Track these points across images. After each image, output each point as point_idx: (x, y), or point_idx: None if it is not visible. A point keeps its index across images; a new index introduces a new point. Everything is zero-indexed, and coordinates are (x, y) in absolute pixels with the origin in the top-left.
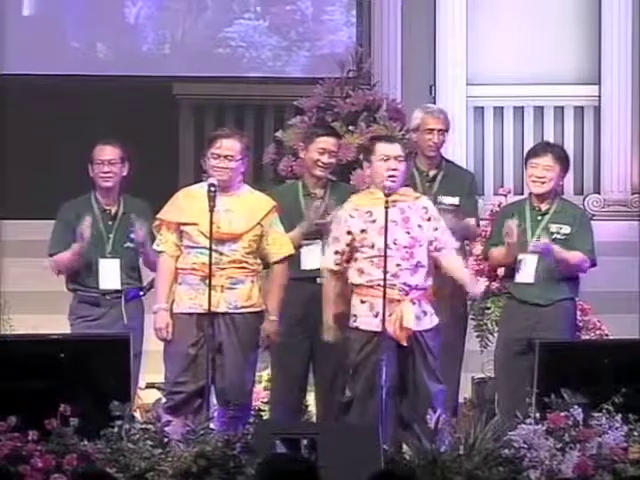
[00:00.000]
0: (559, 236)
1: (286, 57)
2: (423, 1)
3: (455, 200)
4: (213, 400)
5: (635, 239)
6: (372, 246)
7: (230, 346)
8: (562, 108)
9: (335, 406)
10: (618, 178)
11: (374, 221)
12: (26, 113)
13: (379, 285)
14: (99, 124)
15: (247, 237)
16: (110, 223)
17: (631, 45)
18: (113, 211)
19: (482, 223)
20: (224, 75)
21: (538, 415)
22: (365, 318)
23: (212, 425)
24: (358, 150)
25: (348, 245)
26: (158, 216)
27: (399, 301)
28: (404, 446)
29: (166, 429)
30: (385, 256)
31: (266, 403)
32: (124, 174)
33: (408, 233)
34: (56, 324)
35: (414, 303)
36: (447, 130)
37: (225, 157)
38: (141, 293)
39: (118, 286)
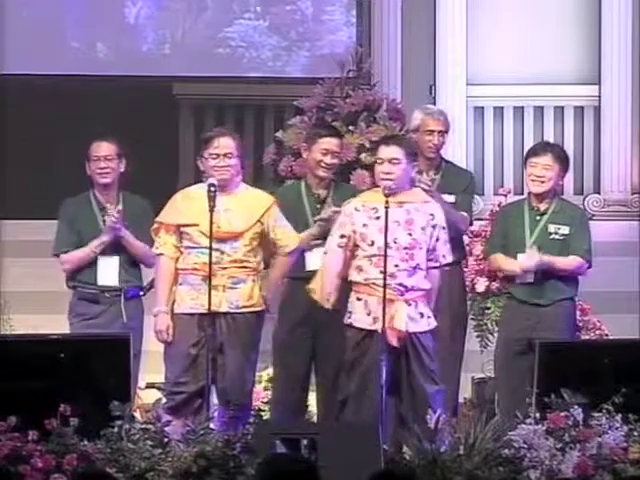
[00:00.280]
0: (557, 236)
1: (286, 57)
2: (423, 1)
3: (451, 198)
4: (213, 400)
5: (635, 239)
6: (372, 244)
7: (231, 346)
8: (562, 108)
9: (336, 405)
10: (618, 178)
11: (378, 218)
12: (26, 113)
13: (374, 284)
14: (99, 124)
15: (248, 235)
16: None
17: (631, 45)
18: (112, 208)
19: (482, 223)
20: (224, 75)
21: (538, 415)
22: (359, 315)
23: (212, 425)
24: (358, 150)
25: (354, 232)
26: (157, 219)
27: (393, 301)
28: (404, 446)
29: (166, 429)
30: (385, 256)
31: (266, 403)
32: (121, 170)
33: (410, 235)
34: (56, 324)
35: (410, 304)
36: (447, 131)
37: (224, 155)
38: (141, 293)
39: (116, 283)
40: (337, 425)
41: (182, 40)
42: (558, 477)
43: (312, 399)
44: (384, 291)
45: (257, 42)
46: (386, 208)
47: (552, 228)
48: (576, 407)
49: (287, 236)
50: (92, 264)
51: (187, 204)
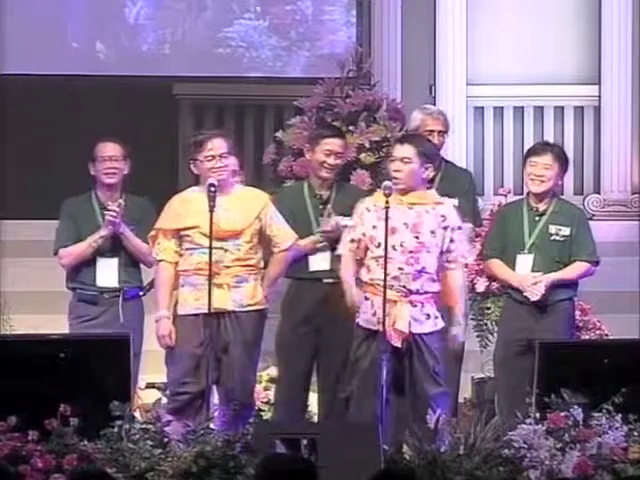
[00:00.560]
0: (558, 237)
1: (286, 57)
2: (423, 1)
3: (454, 201)
4: (213, 400)
5: (635, 239)
6: (378, 245)
7: (237, 345)
8: (562, 108)
9: (337, 403)
10: (618, 178)
11: (388, 219)
12: (26, 113)
13: (379, 285)
14: (99, 124)
15: (248, 232)
16: None
17: (631, 45)
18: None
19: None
20: (224, 75)
21: (538, 415)
22: (367, 316)
23: (212, 425)
24: (358, 150)
25: (363, 235)
26: (156, 226)
27: (396, 302)
28: (404, 446)
29: (166, 429)
30: (385, 257)
31: (266, 403)
32: (125, 172)
33: (417, 238)
34: (56, 324)
35: (415, 306)
36: (447, 131)
37: (220, 156)
38: (141, 293)
39: (116, 284)
40: (337, 425)
41: (182, 40)
42: (558, 477)
43: (312, 399)
44: (384, 292)
45: (257, 42)
46: (386, 208)
47: (553, 229)
48: (576, 407)
49: (283, 233)
50: (91, 265)
51: (185, 207)
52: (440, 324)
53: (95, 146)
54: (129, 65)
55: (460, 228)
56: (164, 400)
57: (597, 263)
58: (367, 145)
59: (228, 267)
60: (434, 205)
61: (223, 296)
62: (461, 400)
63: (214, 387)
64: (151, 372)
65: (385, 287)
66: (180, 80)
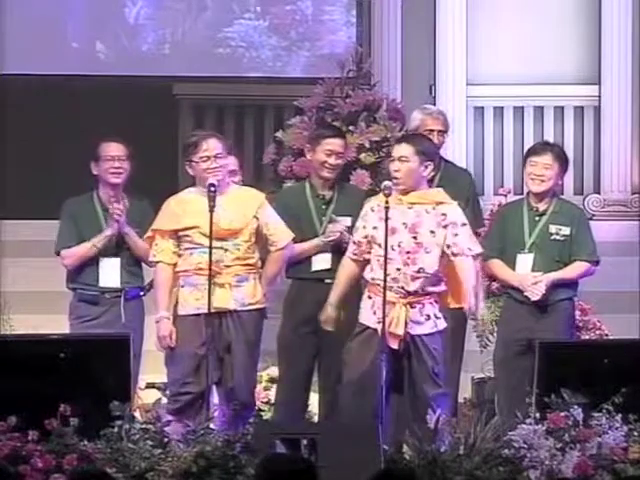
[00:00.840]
0: (558, 237)
1: (286, 57)
2: (423, 1)
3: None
4: (213, 400)
5: (635, 239)
6: (380, 245)
7: (239, 345)
8: (562, 108)
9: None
10: (618, 178)
11: (386, 220)
12: (26, 113)
13: (379, 285)
14: (99, 124)
15: (247, 231)
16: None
17: (631, 45)
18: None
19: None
20: (224, 75)
21: (538, 415)
22: (367, 314)
23: (212, 425)
24: (358, 150)
25: (365, 237)
26: (153, 227)
27: (394, 304)
28: (404, 446)
29: (166, 429)
30: (385, 257)
31: (266, 403)
32: (128, 172)
33: (414, 238)
34: (56, 324)
35: (414, 307)
36: (446, 131)
37: (215, 157)
38: (141, 293)
39: (118, 284)
40: (337, 425)
41: (182, 40)
42: (558, 477)
43: (313, 399)
44: (384, 293)
45: (257, 42)
46: (386, 208)
47: (553, 229)
48: (576, 407)
49: (279, 232)
50: (92, 265)
51: (182, 208)
52: (442, 325)
53: (98, 146)
54: (129, 65)
55: (465, 225)
56: (164, 400)
57: (597, 263)
58: (367, 145)
59: (229, 266)
60: (435, 205)
61: (225, 295)
62: (461, 400)
63: (214, 387)
64: (151, 372)
65: (385, 288)
66: (180, 80)
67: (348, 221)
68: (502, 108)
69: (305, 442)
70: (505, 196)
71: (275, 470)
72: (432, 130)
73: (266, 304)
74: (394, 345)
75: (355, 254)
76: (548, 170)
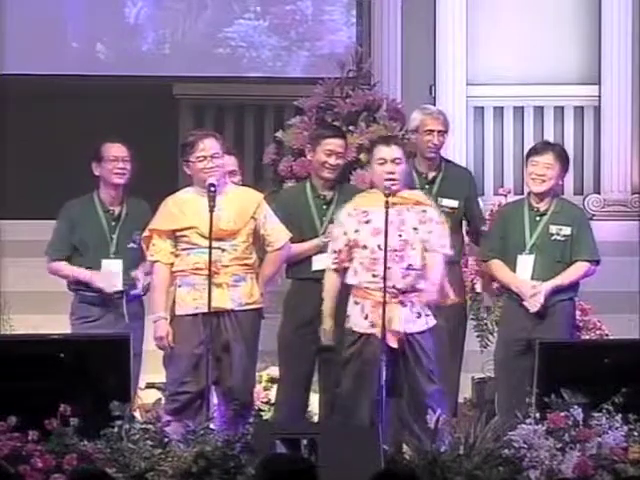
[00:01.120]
0: (559, 237)
1: (286, 57)
2: (423, 1)
3: (455, 203)
4: (213, 400)
5: (635, 239)
6: (364, 247)
7: (237, 344)
8: (562, 108)
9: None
10: (618, 178)
11: (368, 222)
12: (26, 113)
13: (367, 288)
14: (99, 124)
15: (245, 231)
16: (113, 224)
17: (631, 45)
18: (117, 212)
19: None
20: (224, 75)
21: (538, 415)
22: (356, 319)
23: (212, 425)
24: (358, 150)
25: (346, 245)
26: (150, 227)
27: (388, 304)
28: (404, 446)
29: (166, 429)
30: (385, 256)
31: (266, 403)
32: (130, 173)
33: (400, 236)
34: (56, 324)
35: (405, 305)
36: (447, 131)
37: (212, 157)
38: (141, 293)
39: (121, 287)
40: (337, 425)
41: (182, 40)
42: (558, 477)
43: (313, 399)
44: (384, 294)
45: (257, 42)
46: (386, 208)
47: (553, 229)
48: (576, 407)
49: (277, 232)
50: (95, 268)
51: (180, 208)
52: (431, 322)
53: (101, 146)
54: (129, 65)
55: (440, 224)
56: (164, 400)
57: (598, 263)
58: (367, 145)
59: (226, 266)
60: (414, 204)
61: (222, 295)
62: (461, 400)
63: (213, 387)
64: (151, 372)
65: (385, 288)
66: (180, 80)
67: None
68: (502, 108)
69: (305, 442)
70: (505, 196)
71: (275, 470)
72: (432, 130)
73: (263, 304)
74: (393, 344)
75: (335, 263)
76: (549, 170)
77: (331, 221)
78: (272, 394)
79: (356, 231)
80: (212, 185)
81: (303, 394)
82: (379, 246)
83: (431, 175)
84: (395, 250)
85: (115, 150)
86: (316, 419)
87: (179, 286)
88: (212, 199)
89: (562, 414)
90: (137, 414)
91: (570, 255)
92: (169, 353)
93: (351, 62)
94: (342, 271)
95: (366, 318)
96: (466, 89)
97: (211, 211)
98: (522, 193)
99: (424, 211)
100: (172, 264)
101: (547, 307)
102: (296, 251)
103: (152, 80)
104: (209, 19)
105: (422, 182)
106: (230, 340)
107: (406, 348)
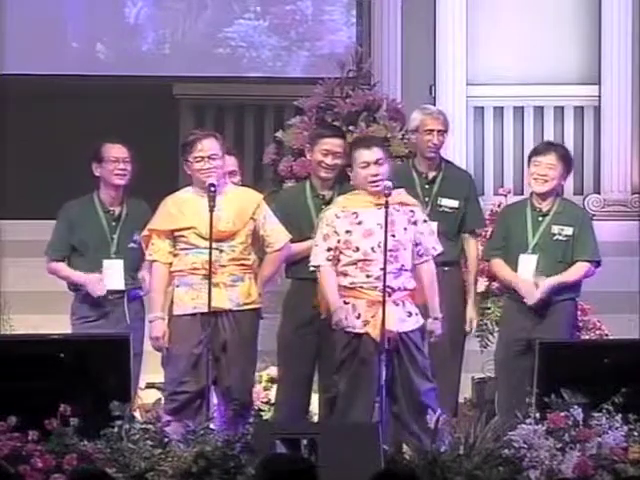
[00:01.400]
0: (561, 237)
1: (286, 57)
2: (423, 1)
3: (455, 203)
4: (213, 400)
5: (635, 239)
6: (357, 249)
7: (234, 344)
8: (562, 108)
9: (323, 402)
10: (618, 178)
11: (360, 223)
12: (26, 113)
13: (362, 288)
14: (99, 124)
15: (243, 232)
16: (114, 224)
17: (631, 45)
18: (117, 212)
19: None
20: (224, 75)
21: (538, 415)
22: (348, 320)
23: (212, 425)
24: None
25: (337, 243)
26: (149, 227)
27: (381, 303)
28: (404, 446)
29: (166, 429)
30: (385, 257)
31: (266, 403)
32: (130, 174)
33: (393, 236)
34: (56, 324)
35: (397, 304)
36: (446, 131)
37: (209, 157)
38: (141, 293)
39: (122, 286)
40: (337, 425)
41: (182, 40)
42: (558, 477)
43: (313, 399)
44: (384, 295)
45: (257, 42)
46: (386, 208)
47: (555, 229)
48: (576, 407)
49: (276, 233)
50: (94, 268)
51: (179, 208)
52: (421, 321)
53: (101, 147)
54: (129, 65)
55: (426, 221)
56: (165, 402)
57: (599, 264)
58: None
59: (224, 266)
60: (399, 205)
61: (220, 295)
62: (461, 400)
63: (213, 387)
64: (151, 372)
65: (385, 288)
66: (180, 80)
67: None
68: (502, 108)
69: (305, 442)
70: (505, 196)
71: (275, 470)
72: (432, 130)
73: (262, 304)
74: (386, 344)
75: (330, 260)
76: (552, 170)
77: None
78: (272, 394)
79: (347, 232)
80: (212, 185)
81: (303, 394)
82: (372, 248)
83: (431, 175)
84: (390, 250)
85: (115, 151)
86: (316, 419)
87: (177, 286)
88: (212, 199)
89: (562, 414)
90: (137, 414)
91: (572, 255)
92: (168, 353)
93: (351, 62)
94: (334, 267)
95: (359, 317)
96: (466, 89)
97: (211, 211)
98: (522, 193)
99: (412, 211)
100: (170, 264)
101: (548, 306)
102: (295, 250)
103: (152, 80)
104: (209, 19)
105: (422, 182)
106: (227, 340)
107: (400, 347)
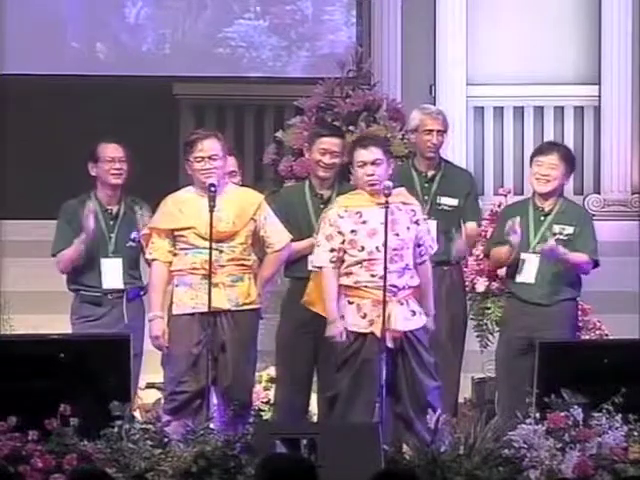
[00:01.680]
0: (562, 237)
1: (286, 57)
2: (423, 1)
3: (454, 201)
4: (213, 400)
5: (635, 239)
6: (362, 249)
7: (233, 344)
8: (562, 108)
9: (322, 401)
10: (618, 178)
11: (364, 222)
12: (26, 113)
13: (366, 287)
14: (99, 124)
15: (243, 233)
16: (112, 222)
17: (631, 45)
18: (114, 210)
19: (482, 223)
20: (224, 75)
21: (538, 415)
22: (352, 319)
23: (212, 425)
24: None
25: (342, 243)
26: (149, 225)
27: (386, 303)
28: (404, 446)
29: (166, 429)
30: (385, 256)
31: (266, 403)
32: (127, 173)
33: (397, 235)
34: (56, 324)
35: (402, 304)
36: (446, 131)
37: (210, 158)
38: (141, 293)
39: (120, 285)
40: (337, 425)
41: (182, 40)
42: (558, 477)
43: (312, 399)
44: (384, 294)
45: (257, 42)
46: (386, 208)
47: (557, 228)
48: (576, 407)
49: (277, 233)
50: (94, 267)
51: (179, 208)
52: (424, 319)
53: (97, 147)
54: (129, 65)
55: (425, 220)
56: (165, 402)
57: (596, 264)
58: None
59: (223, 266)
60: (401, 204)
61: (219, 295)
62: (461, 400)
63: (213, 387)
64: (151, 372)
65: (385, 288)
66: (180, 80)
67: None
68: (502, 108)
69: (305, 442)
70: (505, 196)
71: (275, 470)
72: (431, 130)
73: (261, 304)
74: (390, 343)
75: (334, 262)
76: (554, 170)
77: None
78: (272, 394)
79: (352, 231)
80: (212, 185)
81: (302, 394)
82: (377, 248)
83: (430, 173)
84: (395, 249)
85: (111, 151)
86: (315, 419)
87: (176, 285)
88: (212, 199)
89: (562, 414)
90: (137, 414)
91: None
92: (167, 352)
93: (351, 62)
94: (338, 269)
95: (364, 317)
96: (466, 89)
97: (211, 211)
98: (522, 193)
99: (413, 210)
100: (170, 263)
101: (550, 305)
102: (294, 249)
103: (152, 80)
104: (209, 19)
105: (422, 180)
106: (227, 340)
107: (405, 346)
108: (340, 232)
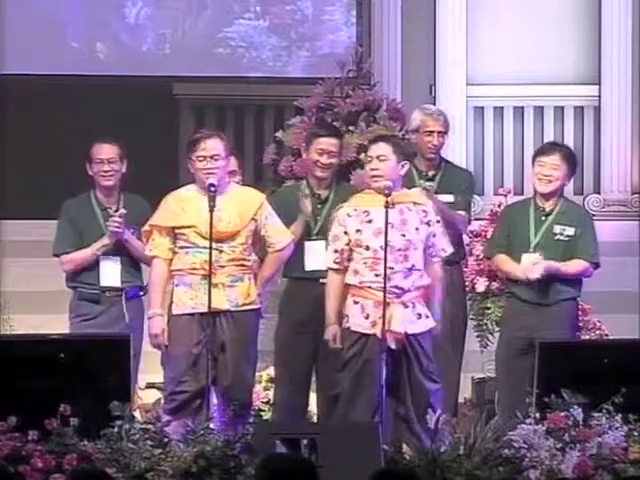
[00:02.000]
0: (562, 237)
1: (286, 57)
2: (423, 1)
3: (450, 198)
4: (213, 400)
5: (635, 239)
6: (367, 248)
7: (233, 344)
8: (562, 108)
9: (322, 400)
10: (618, 178)
11: (370, 221)
12: (26, 113)
13: (370, 287)
14: (99, 124)
15: (244, 233)
16: None
17: (631, 45)
18: (113, 209)
19: (482, 223)
20: (224, 75)
21: (538, 415)
22: (356, 319)
23: (212, 425)
24: (358, 150)
25: (347, 244)
26: (150, 222)
27: (389, 304)
28: (404, 446)
29: (166, 429)
30: (385, 257)
31: (266, 403)
32: (123, 171)
33: (404, 236)
34: (56, 324)
35: (407, 306)
36: (447, 132)
37: (212, 157)
38: (141, 293)
39: (118, 283)
40: (337, 425)
41: (182, 40)
42: (558, 477)
43: (312, 399)
44: (384, 294)
45: (257, 42)
46: (386, 208)
47: (557, 229)
48: (576, 407)
49: (278, 233)
50: (93, 265)
51: (180, 206)
52: (430, 323)
53: (92, 147)
54: (129, 65)
55: (439, 222)
56: (165, 401)
57: (597, 266)
58: (367, 145)
59: (223, 267)
60: (413, 203)
61: (218, 295)
62: (461, 400)
63: (213, 387)
64: (151, 372)
65: (385, 288)
66: (180, 80)
67: None
68: (502, 108)
69: (305, 442)
70: (505, 196)
71: (275, 470)
72: (432, 131)
73: (261, 304)
74: (392, 344)
75: (337, 263)
76: (556, 170)
77: (326, 220)
78: (272, 394)
79: (358, 231)
80: (212, 185)
81: (301, 394)
82: (381, 247)
83: (431, 173)
84: (399, 250)
85: (101, 152)
86: (315, 419)
87: (176, 285)
88: (212, 199)
89: (562, 414)
90: (137, 414)
91: (572, 255)
92: (167, 352)
93: (351, 62)
94: (343, 270)
95: (367, 318)
96: (466, 89)
97: (211, 211)
98: (522, 193)
99: (425, 211)
100: (171, 260)
101: (550, 305)
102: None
103: (152, 80)
104: (209, 19)
105: (422, 179)
106: (226, 340)
107: (408, 349)
108: (346, 232)
